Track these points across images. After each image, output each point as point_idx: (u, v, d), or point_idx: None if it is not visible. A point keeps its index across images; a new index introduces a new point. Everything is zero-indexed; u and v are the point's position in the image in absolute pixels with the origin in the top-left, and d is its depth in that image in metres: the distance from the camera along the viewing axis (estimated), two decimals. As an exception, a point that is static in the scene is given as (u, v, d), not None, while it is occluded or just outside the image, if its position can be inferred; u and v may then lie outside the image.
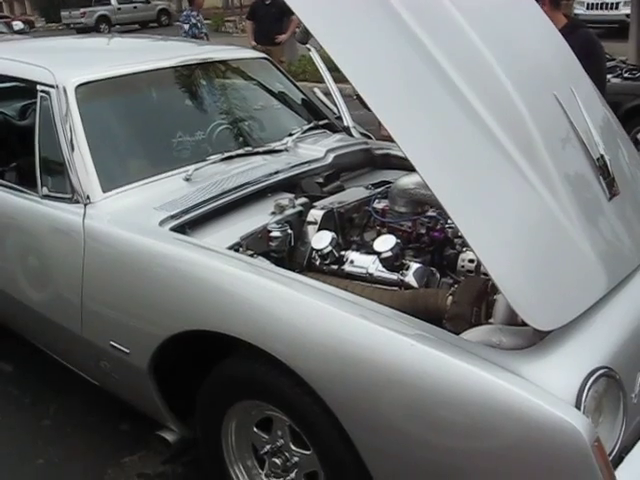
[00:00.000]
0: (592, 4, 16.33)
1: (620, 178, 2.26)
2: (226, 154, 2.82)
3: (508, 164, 1.95)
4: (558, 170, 2.01)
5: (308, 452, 2.08)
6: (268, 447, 2.19)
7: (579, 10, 16.76)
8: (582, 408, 1.69)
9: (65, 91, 2.69)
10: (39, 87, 2.77)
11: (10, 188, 2.87)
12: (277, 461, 2.17)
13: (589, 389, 1.72)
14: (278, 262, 2.46)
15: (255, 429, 2.22)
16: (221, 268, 2.13)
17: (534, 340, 1.86)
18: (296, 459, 2.13)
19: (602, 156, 2.18)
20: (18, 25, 9.29)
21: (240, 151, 2.88)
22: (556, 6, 3.70)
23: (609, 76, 6.12)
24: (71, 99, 2.67)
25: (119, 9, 26.36)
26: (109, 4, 26.34)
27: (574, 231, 1.97)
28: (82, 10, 25.60)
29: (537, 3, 3.36)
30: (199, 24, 8.95)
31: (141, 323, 2.31)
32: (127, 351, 2.34)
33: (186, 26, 8.91)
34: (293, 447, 2.13)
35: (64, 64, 2.94)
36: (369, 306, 1.95)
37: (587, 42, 3.61)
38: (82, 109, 2.67)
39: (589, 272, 1.97)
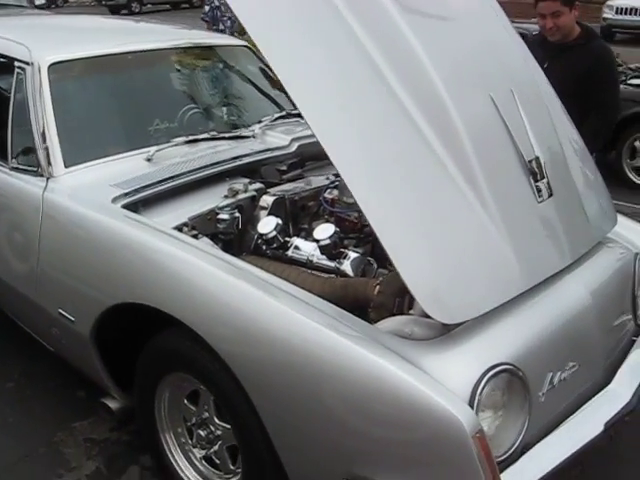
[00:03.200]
0: (621, 9, 16.15)
1: (558, 180, 2.31)
2: (190, 137, 2.91)
3: (432, 161, 2.02)
4: (483, 170, 2.07)
5: (229, 426, 2.18)
6: (195, 419, 2.30)
7: (608, 14, 16.60)
8: (476, 401, 1.77)
9: (39, 69, 2.80)
10: (16, 63, 2.89)
11: (-16, 159, 2.99)
12: (202, 433, 2.29)
13: (485, 383, 1.80)
14: (226, 244, 2.57)
15: (185, 401, 2.32)
16: (155, 245, 2.24)
17: (443, 333, 1.95)
18: (219, 432, 2.24)
19: (537, 158, 2.24)
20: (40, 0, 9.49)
21: (205, 135, 2.96)
22: (570, 4, 3.48)
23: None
24: (44, 77, 2.78)
25: (151, -12, 26.48)
26: (142, -17, 26.46)
27: (493, 231, 2.04)
28: (115, -13, 25.77)
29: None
30: (223, 7, 8.80)
31: (85, 292, 2.43)
32: (72, 319, 2.46)
33: (207, 7, 8.88)
34: (217, 420, 2.23)
35: (43, 42, 3.05)
36: (289, 290, 2.03)
37: (603, 54, 3.58)
38: (53, 87, 2.78)
39: (504, 271, 2.03)
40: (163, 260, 2.20)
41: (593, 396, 2.20)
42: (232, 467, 2.23)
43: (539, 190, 2.22)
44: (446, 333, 1.94)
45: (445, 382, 1.77)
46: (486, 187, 2.06)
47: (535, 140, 2.26)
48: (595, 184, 2.62)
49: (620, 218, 2.82)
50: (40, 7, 9.42)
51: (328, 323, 1.89)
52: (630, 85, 6.14)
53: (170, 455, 2.38)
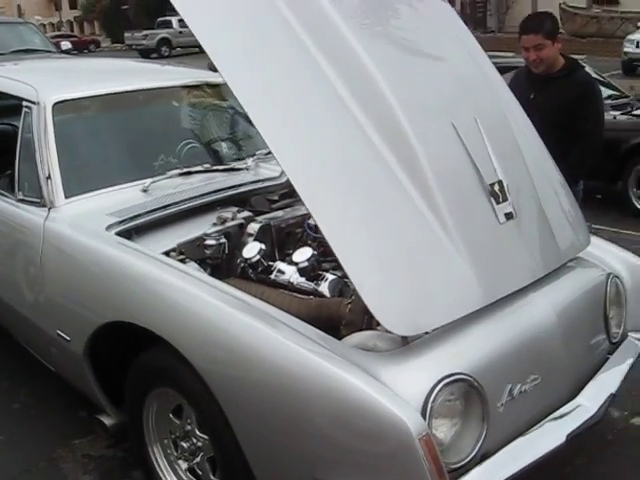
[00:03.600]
0: (642, 43, 16.32)
1: (523, 202, 2.43)
2: (185, 170, 3.10)
3: (391, 184, 2.16)
4: (442, 193, 2.19)
5: (207, 437, 2.30)
6: (179, 432, 2.43)
7: (629, 48, 16.79)
8: (429, 408, 1.88)
9: (45, 107, 3.01)
10: (24, 103, 3.12)
11: (-4, 193, 3.21)
12: (185, 445, 2.41)
13: (438, 392, 1.91)
14: (214, 268, 2.73)
15: (171, 415, 2.45)
16: (142, 268, 2.40)
17: (404, 345, 2.06)
18: (200, 444, 2.35)
19: (500, 181, 2.36)
20: (66, 45, 9.90)
21: (198, 168, 3.15)
22: (553, 37, 3.58)
23: (617, 113, 6.25)
24: (48, 115, 2.99)
25: (180, 32, 27.25)
26: (171, 27, 27.32)
27: (452, 250, 2.15)
28: (144, 32, 26.68)
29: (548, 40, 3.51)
30: None
31: (79, 313, 2.60)
32: (68, 339, 2.62)
33: None
34: (198, 432, 2.35)
35: (50, 83, 3.28)
36: (263, 309, 2.17)
37: (586, 84, 3.71)
38: (57, 124, 2.98)
39: (462, 288, 2.15)
40: (149, 282, 2.36)
41: (559, 409, 2.29)
42: (212, 478, 2.34)
43: (502, 212, 2.34)
44: (406, 345, 2.06)
45: (400, 390, 1.88)
46: (445, 208, 2.18)
47: (498, 165, 2.38)
48: (567, 207, 2.71)
49: (598, 240, 2.94)
50: (66, 52, 9.85)
51: (297, 340, 2.02)
52: (635, 116, 6.24)
53: (157, 467, 2.50)
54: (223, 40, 2.20)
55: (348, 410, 1.87)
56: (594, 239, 2.90)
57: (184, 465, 2.47)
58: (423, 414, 1.87)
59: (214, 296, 2.23)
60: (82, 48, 26.59)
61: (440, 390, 1.92)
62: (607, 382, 2.47)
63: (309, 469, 1.97)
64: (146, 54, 25.24)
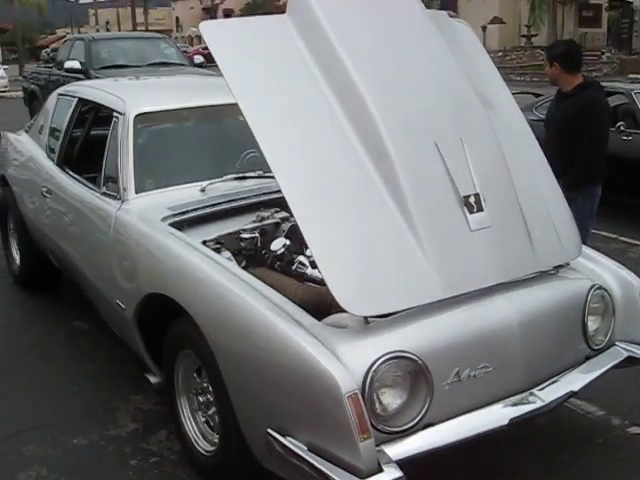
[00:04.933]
0: None
1: (500, 214, 2.73)
2: (240, 175, 3.63)
3: (367, 188, 2.57)
4: (415, 200, 2.56)
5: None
6: (199, 388, 2.94)
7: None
8: (369, 377, 2.27)
9: (128, 118, 3.65)
10: (114, 113, 3.78)
11: (88, 187, 3.88)
12: (201, 399, 2.93)
13: (380, 364, 2.30)
14: (248, 259, 3.23)
15: (195, 374, 2.97)
16: (179, 252, 2.94)
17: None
18: (211, 399, 2.86)
19: (477, 194, 2.68)
20: (199, 59, 10.68)
21: (252, 174, 3.67)
22: (570, 71, 4.17)
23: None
24: (130, 124, 3.63)
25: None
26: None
27: (417, 248, 2.52)
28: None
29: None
30: None
31: (131, 285, 3.20)
32: (123, 307, 3.22)
33: None
34: (210, 389, 2.85)
35: (138, 97, 3.94)
36: (267, 294, 2.61)
37: (591, 102, 4.13)
38: (136, 132, 3.61)
39: (422, 281, 2.51)
40: (180, 262, 2.91)
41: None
42: (220, 428, 2.84)
43: (475, 221, 2.66)
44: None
45: (348, 359, 2.30)
46: (415, 212, 2.54)
47: (478, 180, 2.69)
48: (558, 220, 2.97)
49: (593, 253, 3.19)
50: (199, 65, 10.66)
51: (282, 319, 2.46)
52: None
53: (183, 416, 3.03)
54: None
55: (305, 373, 2.30)
56: (590, 251, 3.17)
57: (202, 417, 2.98)
58: (364, 381, 2.26)
59: (228, 279, 2.71)
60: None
61: (383, 363, 2.30)
62: (571, 381, 2.75)
63: (277, 420, 2.42)
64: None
